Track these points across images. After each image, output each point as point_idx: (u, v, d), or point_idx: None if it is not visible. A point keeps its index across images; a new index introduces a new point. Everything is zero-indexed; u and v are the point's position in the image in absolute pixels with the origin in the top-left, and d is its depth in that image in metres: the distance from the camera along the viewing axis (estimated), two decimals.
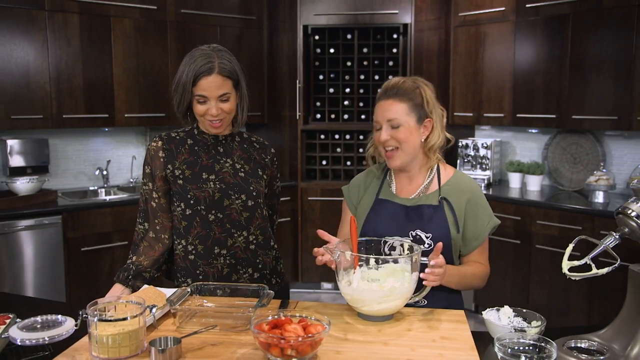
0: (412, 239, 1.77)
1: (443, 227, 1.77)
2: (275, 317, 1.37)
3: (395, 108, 1.77)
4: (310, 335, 1.29)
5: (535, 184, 4.26)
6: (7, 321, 1.48)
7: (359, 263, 1.62)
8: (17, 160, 3.97)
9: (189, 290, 1.59)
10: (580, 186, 4.17)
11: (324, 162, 4.81)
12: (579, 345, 1.59)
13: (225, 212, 1.88)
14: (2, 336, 1.39)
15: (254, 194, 1.92)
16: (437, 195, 1.81)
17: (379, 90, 1.88)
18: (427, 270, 1.56)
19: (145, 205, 1.93)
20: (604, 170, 3.92)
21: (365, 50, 4.62)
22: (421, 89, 1.81)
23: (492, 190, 4.35)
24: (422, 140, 1.81)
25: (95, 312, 1.33)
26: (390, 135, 1.77)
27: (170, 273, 2.02)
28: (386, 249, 1.76)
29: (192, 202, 1.87)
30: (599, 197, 3.75)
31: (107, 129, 4.44)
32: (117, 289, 1.84)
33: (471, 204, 1.80)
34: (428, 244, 1.76)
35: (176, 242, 1.93)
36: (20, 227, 3.56)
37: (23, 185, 3.80)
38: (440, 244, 1.59)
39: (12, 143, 3.94)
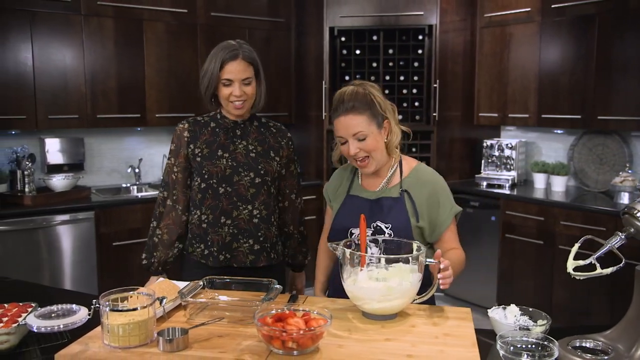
0: (372, 230, 1.87)
1: (402, 218, 1.86)
2: (279, 310, 1.42)
3: (357, 122, 1.82)
4: (310, 328, 1.33)
5: (560, 185, 4.24)
6: (30, 309, 1.59)
7: (368, 262, 1.66)
8: (54, 158, 4.15)
9: (201, 283, 1.67)
10: (606, 187, 4.13)
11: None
12: (583, 344, 1.60)
13: (234, 186, 2.10)
14: (22, 323, 1.49)
15: (262, 172, 2.12)
16: (398, 188, 1.91)
17: (336, 105, 1.90)
18: (440, 275, 1.62)
19: (167, 177, 2.17)
20: (630, 171, 3.88)
21: (390, 51, 4.66)
22: (372, 94, 1.86)
23: (516, 190, 4.35)
24: (385, 141, 1.89)
25: (107, 303, 1.40)
26: (359, 147, 1.84)
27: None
28: (355, 241, 1.85)
29: (206, 176, 2.10)
30: (624, 198, 3.71)
31: (139, 129, 4.59)
32: (154, 279, 2.11)
33: (433, 195, 1.89)
34: (388, 233, 1.85)
35: (193, 212, 2.15)
36: (57, 221, 3.73)
37: (59, 181, 3.98)
38: (439, 251, 1.65)
39: (50, 142, 4.12)
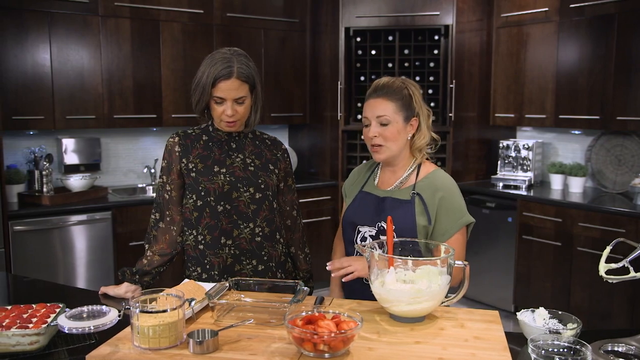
0: (376, 230, 1.88)
1: (408, 220, 1.84)
2: (309, 312, 1.41)
3: (384, 106, 1.87)
4: (342, 331, 1.32)
5: (577, 186, 4.20)
6: (57, 310, 1.58)
7: (395, 264, 1.65)
8: (71, 158, 4.16)
9: (227, 285, 1.66)
10: (625, 188, 4.09)
11: (364, 162, 4.85)
12: (616, 349, 1.57)
13: (233, 203, 1.97)
14: (51, 324, 1.49)
15: (262, 186, 2.01)
16: (410, 190, 1.89)
17: (369, 89, 1.96)
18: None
19: (159, 198, 2.04)
20: None
21: (406, 51, 4.64)
22: (409, 89, 1.90)
23: (533, 191, 4.31)
24: (408, 138, 1.90)
25: (137, 304, 1.39)
26: (378, 132, 1.87)
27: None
28: (359, 240, 1.90)
29: (202, 193, 1.97)
30: None
31: (155, 129, 4.60)
32: (124, 286, 1.95)
33: (444, 201, 1.86)
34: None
35: (187, 232, 2.02)
36: (73, 221, 3.75)
37: (76, 182, 3.99)
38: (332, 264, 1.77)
39: (67, 142, 4.14)
